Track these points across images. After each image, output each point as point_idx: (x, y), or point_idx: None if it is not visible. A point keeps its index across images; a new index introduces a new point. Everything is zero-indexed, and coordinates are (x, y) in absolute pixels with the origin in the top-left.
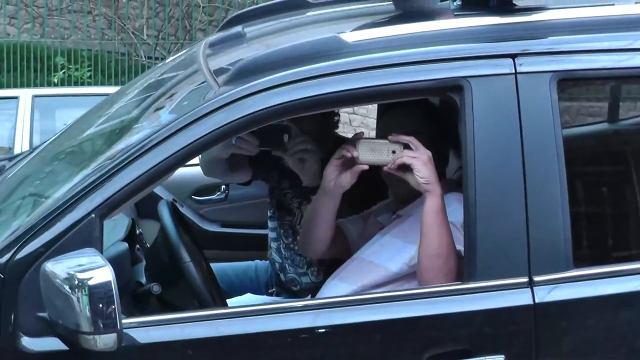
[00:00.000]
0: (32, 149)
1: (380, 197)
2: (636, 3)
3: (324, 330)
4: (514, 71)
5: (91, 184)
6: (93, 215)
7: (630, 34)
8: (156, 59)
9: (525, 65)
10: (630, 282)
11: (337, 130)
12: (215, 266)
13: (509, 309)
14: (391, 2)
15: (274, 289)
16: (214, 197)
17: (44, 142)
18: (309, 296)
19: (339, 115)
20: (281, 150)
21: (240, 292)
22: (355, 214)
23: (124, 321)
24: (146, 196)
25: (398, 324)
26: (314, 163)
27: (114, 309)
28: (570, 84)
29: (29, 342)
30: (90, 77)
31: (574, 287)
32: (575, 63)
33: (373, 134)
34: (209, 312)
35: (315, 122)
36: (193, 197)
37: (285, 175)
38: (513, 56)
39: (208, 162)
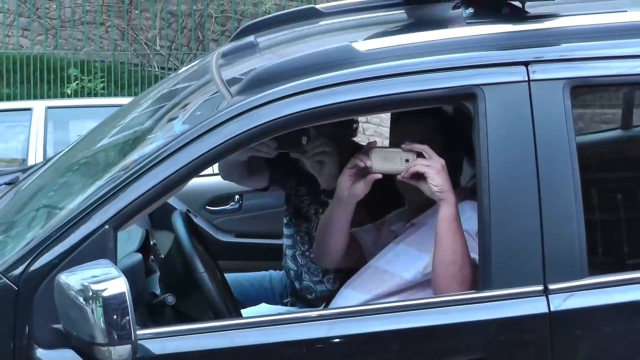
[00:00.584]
0: (46, 160)
1: (398, 205)
2: None
3: (339, 340)
4: (527, 78)
5: (105, 195)
6: (107, 226)
7: None
8: (169, 69)
9: (539, 72)
10: None
11: (354, 138)
12: (229, 276)
13: (524, 317)
14: (403, 11)
15: (288, 299)
16: (227, 207)
17: (58, 154)
18: (323, 305)
19: (358, 122)
20: (299, 152)
21: (255, 302)
22: (374, 221)
23: (138, 332)
24: (160, 207)
25: (414, 333)
26: (332, 166)
27: (129, 320)
28: (583, 90)
29: (43, 354)
30: (103, 88)
31: (590, 295)
32: (588, 70)
33: (386, 142)
34: (224, 322)
35: (334, 128)
36: (207, 207)
37: (303, 181)
38: (526, 64)
39: (226, 166)
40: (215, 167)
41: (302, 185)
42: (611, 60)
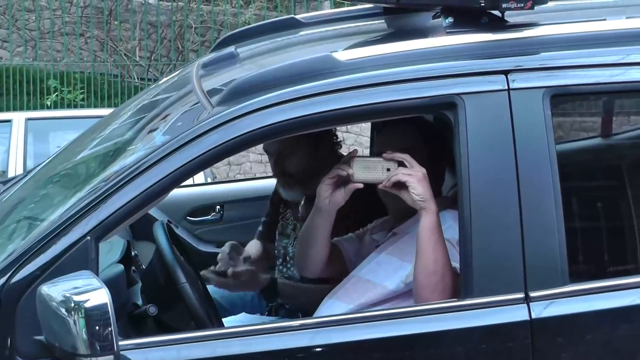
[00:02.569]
0: (26, 172)
1: (380, 214)
2: (627, 18)
3: (321, 349)
4: (506, 87)
5: (86, 207)
6: (88, 237)
7: (622, 48)
8: (149, 80)
9: (518, 81)
10: (627, 296)
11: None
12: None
13: (505, 325)
14: (383, 21)
15: (273, 304)
16: (209, 218)
17: (38, 165)
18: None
19: (337, 136)
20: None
21: (243, 311)
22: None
23: (120, 343)
24: (141, 218)
25: (396, 342)
26: None
27: (111, 331)
28: (563, 99)
29: None
30: (83, 99)
31: (570, 302)
32: (567, 78)
33: (367, 152)
34: (206, 332)
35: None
36: (188, 218)
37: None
38: (506, 72)
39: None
40: (196, 178)
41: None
42: (590, 69)
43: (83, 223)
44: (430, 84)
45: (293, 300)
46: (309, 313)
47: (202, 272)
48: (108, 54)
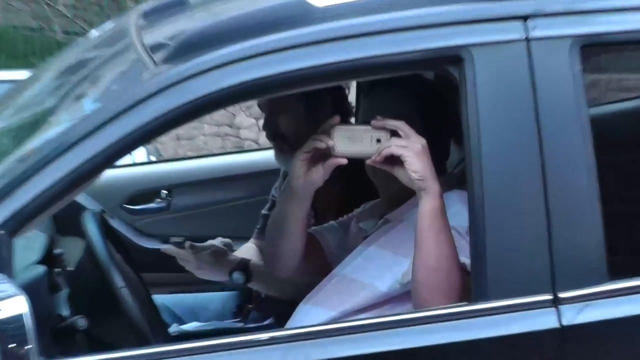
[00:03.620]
0: None
1: (369, 197)
2: None
3: None
4: (525, 36)
5: None
6: (1, 231)
7: None
8: (75, 34)
9: (540, 28)
10: None
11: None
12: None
13: (528, 335)
14: None
15: (250, 305)
16: (153, 205)
17: None
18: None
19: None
20: None
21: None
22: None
23: None
24: (67, 207)
25: (390, 358)
26: None
27: (30, 349)
28: (595, 51)
29: None
30: None
31: (610, 304)
32: (601, 25)
33: (352, 121)
34: (149, 350)
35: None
36: (126, 206)
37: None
38: (524, 18)
39: None
40: (136, 155)
41: None
42: (629, 13)
43: None
44: (430, 34)
45: (265, 286)
46: (285, 312)
47: (162, 248)
48: (24, 2)
